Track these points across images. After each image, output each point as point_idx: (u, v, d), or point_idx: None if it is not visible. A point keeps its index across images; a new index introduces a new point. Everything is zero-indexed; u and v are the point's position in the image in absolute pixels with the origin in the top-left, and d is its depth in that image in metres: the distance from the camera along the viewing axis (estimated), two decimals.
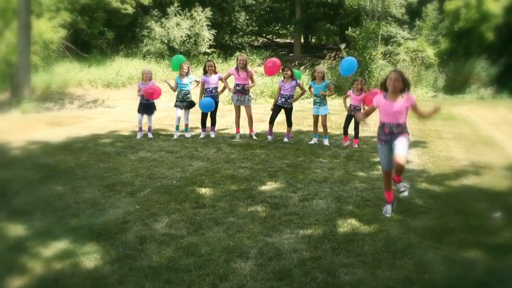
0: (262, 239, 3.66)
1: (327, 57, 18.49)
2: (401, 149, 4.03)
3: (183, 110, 7.86)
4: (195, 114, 8.28)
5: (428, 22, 19.35)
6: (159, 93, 7.62)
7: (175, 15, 19.01)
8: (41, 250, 3.46)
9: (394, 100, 4.10)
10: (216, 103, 7.81)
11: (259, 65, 19.44)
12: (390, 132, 4.12)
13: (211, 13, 19.58)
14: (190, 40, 19.00)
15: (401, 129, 4.12)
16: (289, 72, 7.47)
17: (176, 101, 7.92)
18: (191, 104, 7.95)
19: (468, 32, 17.29)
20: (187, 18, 19.10)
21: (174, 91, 7.99)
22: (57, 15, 15.37)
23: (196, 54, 19.15)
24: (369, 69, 15.87)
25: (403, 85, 4.08)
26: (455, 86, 16.98)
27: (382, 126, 4.19)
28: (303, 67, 17.25)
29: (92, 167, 5.87)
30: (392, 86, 4.06)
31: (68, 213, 4.24)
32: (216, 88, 7.75)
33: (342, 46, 17.14)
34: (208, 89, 7.69)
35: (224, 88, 8.00)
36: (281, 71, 8.04)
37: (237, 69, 7.64)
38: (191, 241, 3.63)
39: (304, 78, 15.38)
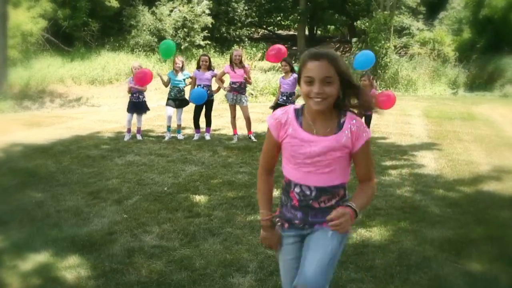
0: (262, 252, 3.67)
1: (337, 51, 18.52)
2: (315, 271, 1.89)
3: (174, 109, 7.89)
4: (188, 114, 8.30)
5: (452, 14, 19.43)
6: (150, 76, 7.49)
7: (170, 1, 19.02)
8: (19, 264, 3.47)
9: (319, 132, 1.94)
10: (211, 101, 7.83)
11: (260, 60, 19.49)
12: (304, 207, 2.02)
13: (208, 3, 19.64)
14: (184, 30, 19.00)
15: (328, 206, 2.00)
16: (287, 67, 7.49)
17: (168, 98, 7.95)
18: (184, 103, 7.97)
19: (491, 21, 17.30)
20: (184, 4, 19.11)
21: (166, 86, 8.01)
22: (36, 4, 15.42)
23: (189, 47, 19.17)
24: (381, 63, 15.92)
25: (340, 89, 1.89)
26: (478, 83, 17.01)
27: (287, 187, 2.06)
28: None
29: (75, 172, 5.88)
30: (315, 100, 1.85)
31: (49, 223, 4.24)
32: (208, 85, 7.76)
33: (354, 39, 17.20)
34: (199, 86, 7.71)
35: (219, 87, 8.01)
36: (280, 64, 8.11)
37: (231, 65, 7.66)
38: (184, 253, 3.63)
39: None
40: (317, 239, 1.98)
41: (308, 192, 1.99)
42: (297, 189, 2.01)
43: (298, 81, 1.96)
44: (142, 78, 7.36)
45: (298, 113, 1.98)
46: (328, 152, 1.93)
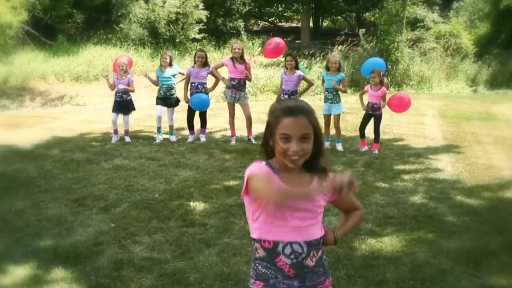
0: None
1: (340, 44, 18.53)
2: None
3: (164, 108, 7.89)
4: (182, 113, 8.31)
5: (469, 4, 19.47)
6: (130, 62, 8.05)
7: None
8: None
9: (295, 185, 1.88)
10: None
11: (260, 54, 19.52)
12: (299, 271, 1.91)
13: None
14: (178, 22, 19.03)
15: (318, 259, 1.96)
16: (293, 63, 7.48)
17: (157, 97, 7.95)
18: (175, 102, 7.97)
19: None
20: None
21: (157, 85, 8.02)
22: None
23: (184, 40, 19.19)
24: (392, 59, 15.94)
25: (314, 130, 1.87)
26: (499, 80, 17.02)
27: (270, 255, 1.92)
28: (315, 57, 17.28)
29: (57, 178, 5.89)
30: (293, 158, 1.85)
31: (29, 233, 4.25)
32: (203, 84, 7.74)
33: (361, 32, 17.22)
34: (193, 84, 7.69)
35: (216, 83, 8.00)
36: (283, 59, 8.13)
37: (232, 60, 7.65)
38: (177, 266, 3.64)
39: (317, 70, 15.44)
40: None
41: (300, 251, 1.90)
42: (287, 251, 1.89)
43: (269, 129, 1.89)
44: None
45: (272, 168, 1.91)
46: (314, 198, 1.92)
